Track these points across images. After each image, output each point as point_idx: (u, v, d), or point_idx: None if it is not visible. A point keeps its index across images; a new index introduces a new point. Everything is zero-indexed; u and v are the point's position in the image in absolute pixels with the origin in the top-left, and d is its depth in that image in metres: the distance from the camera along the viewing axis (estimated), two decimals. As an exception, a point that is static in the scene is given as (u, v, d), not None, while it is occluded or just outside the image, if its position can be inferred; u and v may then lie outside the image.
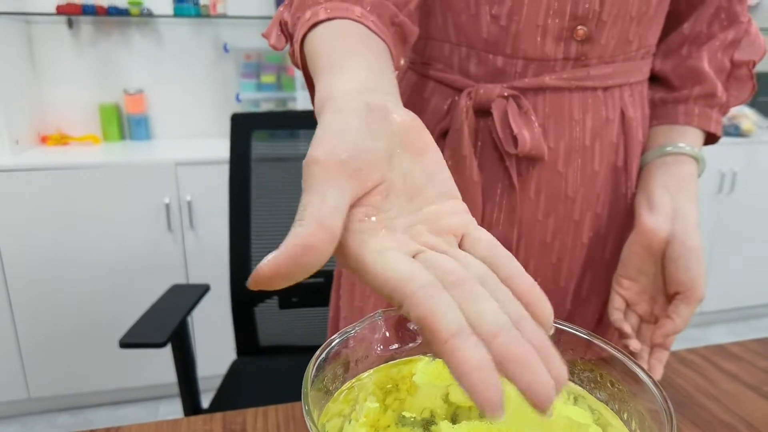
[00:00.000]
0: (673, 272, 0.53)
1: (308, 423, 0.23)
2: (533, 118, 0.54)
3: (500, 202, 0.57)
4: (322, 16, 0.39)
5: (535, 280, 0.24)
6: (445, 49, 0.57)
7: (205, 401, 1.08)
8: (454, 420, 0.29)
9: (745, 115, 2.32)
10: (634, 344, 0.54)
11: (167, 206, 1.77)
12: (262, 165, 1.13)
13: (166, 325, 0.97)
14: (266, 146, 1.14)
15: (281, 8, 0.48)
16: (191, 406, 1.03)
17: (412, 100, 0.61)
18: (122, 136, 2.13)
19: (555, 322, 0.31)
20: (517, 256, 0.55)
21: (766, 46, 0.60)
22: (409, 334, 0.32)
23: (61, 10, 1.91)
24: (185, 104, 2.18)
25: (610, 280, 0.59)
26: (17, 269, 1.72)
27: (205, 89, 2.19)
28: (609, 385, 0.30)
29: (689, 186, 0.56)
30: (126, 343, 0.92)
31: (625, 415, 0.29)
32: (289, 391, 0.98)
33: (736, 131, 2.30)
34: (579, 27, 0.52)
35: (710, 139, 0.61)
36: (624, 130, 0.58)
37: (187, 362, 1.02)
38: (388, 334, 0.31)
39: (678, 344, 0.59)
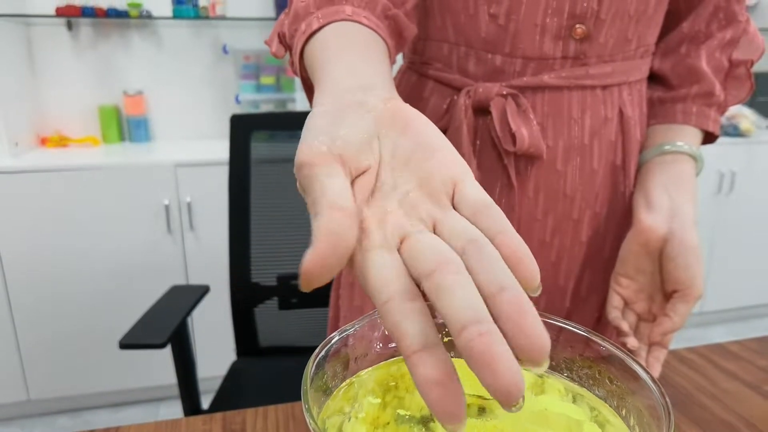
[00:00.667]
0: (671, 270, 0.53)
1: (308, 420, 0.23)
2: (532, 116, 0.54)
3: (499, 200, 0.57)
4: (315, 26, 0.39)
5: None
6: (443, 49, 0.57)
7: (205, 402, 1.08)
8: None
9: (744, 116, 2.32)
10: (632, 342, 0.54)
11: (167, 207, 1.77)
12: (261, 166, 1.13)
13: (166, 326, 0.97)
14: (266, 147, 1.14)
15: (282, 16, 0.48)
16: (191, 407, 1.03)
17: (412, 100, 0.61)
18: (122, 138, 2.13)
19: (554, 320, 0.31)
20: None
21: (764, 46, 0.60)
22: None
23: (60, 12, 1.91)
24: (185, 106, 2.19)
25: (609, 278, 0.59)
26: (17, 271, 1.72)
27: (204, 91, 2.19)
28: (608, 381, 0.30)
29: (687, 185, 0.56)
30: (126, 344, 0.92)
31: (624, 412, 0.29)
32: (289, 391, 0.98)
33: (735, 131, 2.31)
34: (577, 26, 0.52)
35: (708, 138, 0.61)
36: (622, 128, 0.58)
37: (186, 363, 1.02)
38: (387, 332, 0.32)
39: (677, 344, 0.59)
